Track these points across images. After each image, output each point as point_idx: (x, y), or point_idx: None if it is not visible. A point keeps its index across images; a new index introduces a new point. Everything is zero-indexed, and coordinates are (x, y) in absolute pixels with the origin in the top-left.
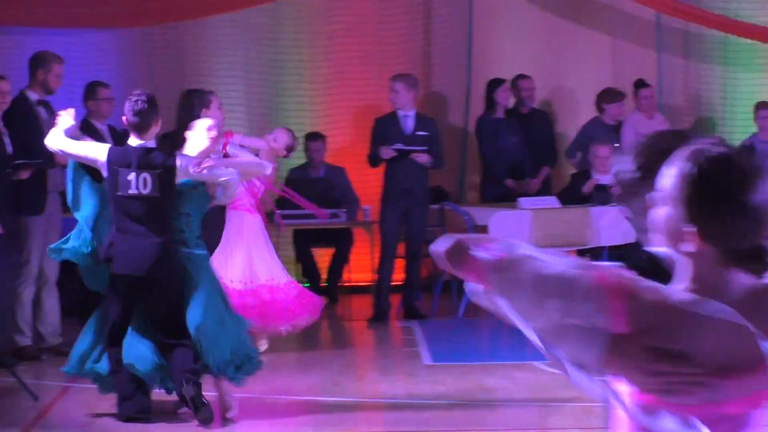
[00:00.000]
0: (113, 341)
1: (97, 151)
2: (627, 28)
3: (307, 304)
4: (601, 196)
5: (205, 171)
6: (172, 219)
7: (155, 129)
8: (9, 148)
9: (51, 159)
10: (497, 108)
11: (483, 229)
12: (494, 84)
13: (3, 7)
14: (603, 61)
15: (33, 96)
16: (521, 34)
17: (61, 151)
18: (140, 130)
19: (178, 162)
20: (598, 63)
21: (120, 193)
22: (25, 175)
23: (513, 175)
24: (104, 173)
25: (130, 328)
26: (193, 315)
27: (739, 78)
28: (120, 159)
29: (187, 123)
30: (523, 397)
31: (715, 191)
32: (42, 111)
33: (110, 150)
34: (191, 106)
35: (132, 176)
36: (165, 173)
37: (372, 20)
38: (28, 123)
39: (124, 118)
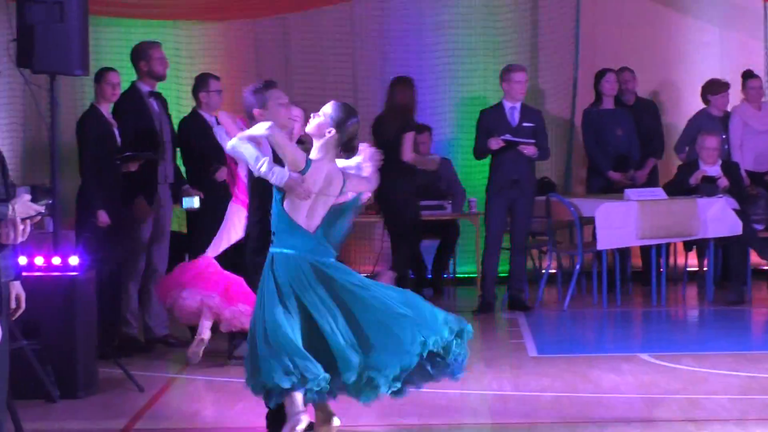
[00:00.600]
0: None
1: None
2: (735, 19)
3: None
4: (708, 187)
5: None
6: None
7: None
8: (118, 140)
9: (161, 151)
10: (603, 99)
11: (589, 220)
12: (600, 75)
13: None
14: (711, 52)
15: (144, 88)
16: (629, 25)
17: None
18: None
19: None
20: (706, 54)
21: None
22: (133, 167)
23: (619, 167)
24: None
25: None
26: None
27: None
28: None
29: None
30: (628, 388)
31: None
32: (153, 103)
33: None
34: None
35: None
36: None
37: (479, 12)
38: (139, 114)
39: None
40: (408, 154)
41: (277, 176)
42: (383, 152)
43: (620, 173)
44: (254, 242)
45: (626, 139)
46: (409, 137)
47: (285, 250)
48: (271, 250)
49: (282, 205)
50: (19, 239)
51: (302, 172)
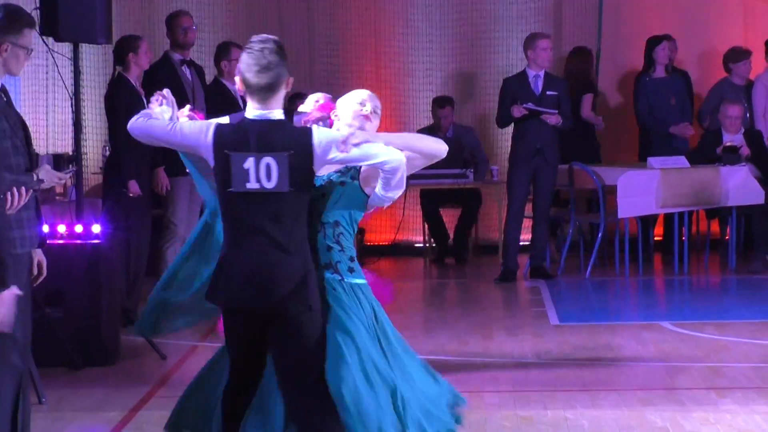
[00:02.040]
0: (229, 412)
1: (197, 133)
2: None
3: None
4: (731, 156)
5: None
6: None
7: (283, 92)
8: (147, 106)
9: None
10: (657, 67)
11: (612, 189)
12: (656, 42)
13: None
14: (734, 21)
15: (176, 56)
16: None
17: (147, 135)
18: (265, 93)
19: (315, 138)
20: (729, 22)
21: (232, 189)
22: None
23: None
24: (210, 161)
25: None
26: (341, 375)
27: None
28: (232, 139)
29: None
30: (650, 356)
31: None
32: (186, 71)
33: (217, 128)
34: None
35: (250, 163)
36: (298, 156)
37: None
38: (171, 83)
39: (238, 78)
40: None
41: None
42: None
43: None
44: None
45: (680, 107)
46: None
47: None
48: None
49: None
50: (16, 207)
51: None
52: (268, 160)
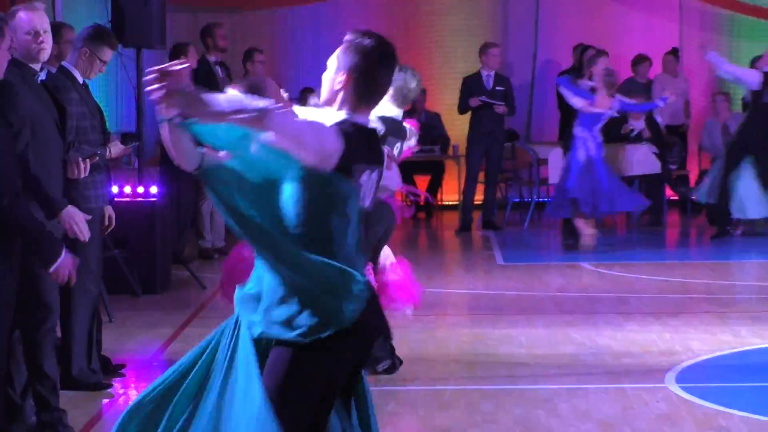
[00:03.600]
0: None
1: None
2: (655, 8)
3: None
4: (634, 136)
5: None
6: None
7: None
8: None
9: None
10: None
11: (544, 161)
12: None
13: None
14: (637, 34)
15: (211, 59)
16: (577, 11)
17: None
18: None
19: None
20: (633, 36)
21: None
22: None
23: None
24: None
25: None
26: None
27: (742, 48)
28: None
29: None
30: (573, 289)
31: None
32: (219, 69)
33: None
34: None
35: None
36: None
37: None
38: (208, 79)
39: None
40: None
41: None
42: None
43: None
44: None
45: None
46: None
47: None
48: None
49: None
50: (82, 175)
51: None
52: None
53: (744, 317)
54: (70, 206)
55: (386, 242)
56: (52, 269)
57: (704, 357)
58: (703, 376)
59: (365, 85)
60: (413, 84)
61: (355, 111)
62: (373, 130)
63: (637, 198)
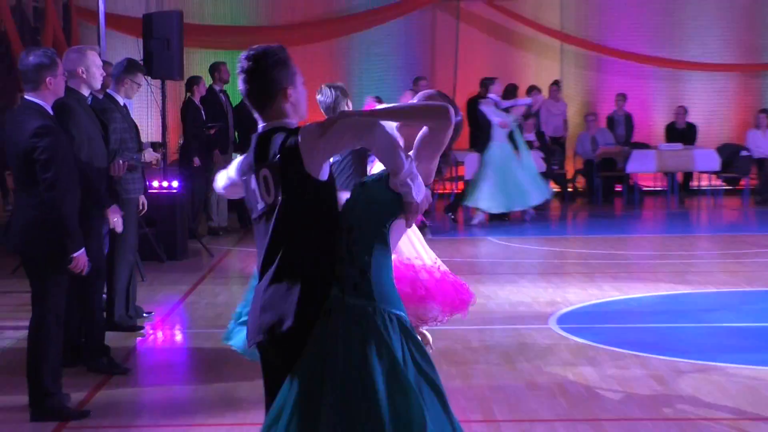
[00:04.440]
0: None
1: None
2: (542, 48)
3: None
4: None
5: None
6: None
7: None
8: (203, 116)
9: (226, 123)
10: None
11: (461, 163)
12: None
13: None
14: (529, 71)
15: (217, 88)
16: (485, 51)
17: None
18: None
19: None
20: (526, 72)
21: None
22: (213, 130)
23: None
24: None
25: None
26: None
27: (607, 81)
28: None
29: None
30: (482, 256)
31: None
32: (222, 96)
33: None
34: None
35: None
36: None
37: (399, 39)
38: (214, 102)
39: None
40: None
41: (417, 188)
42: None
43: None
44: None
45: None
46: None
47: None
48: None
49: (388, 232)
50: (121, 173)
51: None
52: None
53: (606, 277)
54: (113, 205)
55: None
56: (73, 256)
57: (577, 305)
58: (576, 319)
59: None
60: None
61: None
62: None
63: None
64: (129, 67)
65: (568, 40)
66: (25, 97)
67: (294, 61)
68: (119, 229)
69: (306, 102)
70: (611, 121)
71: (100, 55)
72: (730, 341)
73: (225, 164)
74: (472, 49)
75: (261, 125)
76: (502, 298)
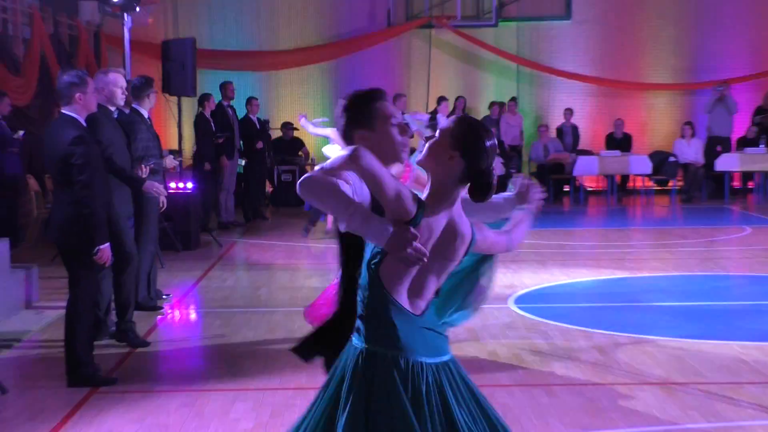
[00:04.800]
0: None
1: None
2: (503, 71)
3: None
4: None
5: None
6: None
7: None
8: (213, 128)
9: (233, 133)
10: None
11: None
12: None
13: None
14: (490, 88)
15: (225, 103)
16: (452, 73)
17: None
18: None
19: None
20: (488, 89)
21: None
22: (221, 140)
23: None
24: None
25: None
26: None
27: (556, 99)
28: None
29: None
30: None
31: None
32: (229, 110)
33: None
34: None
35: None
36: None
37: (381, 61)
38: (222, 116)
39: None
40: None
41: (375, 230)
42: None
43: None
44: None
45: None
46: None
47: (379, 349)
48: (356, 343)
49: (377, 272)
50: (144, 176)
51: (413, 223)
52: None
53: (556, 263)
54: (147, 181)
55: None
56: (99, 248)
57: (532, 288)
58: (531, 300)
59: None
60: None
61: None
62: None
63: None
64: (146, 85)
65: (523, 63)
66: (62, 111)
67: (292, 79)
68: (163, 193)
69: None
70: (560, 132)
71: (124, 76)
72: (661, 318)
73: (231, 169)
74: (442, 70)
75: None
76: None
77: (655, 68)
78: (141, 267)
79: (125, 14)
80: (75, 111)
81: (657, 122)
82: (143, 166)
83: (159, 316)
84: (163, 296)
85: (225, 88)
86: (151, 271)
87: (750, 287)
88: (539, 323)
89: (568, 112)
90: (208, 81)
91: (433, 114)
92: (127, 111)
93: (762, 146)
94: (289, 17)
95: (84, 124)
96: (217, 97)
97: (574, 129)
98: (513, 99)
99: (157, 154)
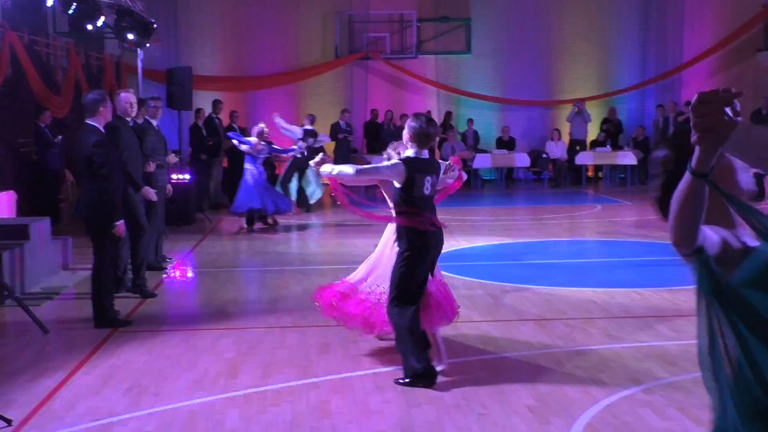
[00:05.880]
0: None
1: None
2: (424, 91)
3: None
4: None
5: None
6: None
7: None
8: (204, 133)
9: (219, 137)
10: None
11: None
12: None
13: (206, 86)
14: (413, 104)
15: (214, 115)
16: (382, 91)
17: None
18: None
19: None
20: (412, 105)
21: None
22: (210, 143)
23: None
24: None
25: None
26: None
27: (462, 113)
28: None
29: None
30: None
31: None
32: (216, 120)
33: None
34: None
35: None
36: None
37: (332, 84)
38: (212, 125)
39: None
40: None
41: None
42: None
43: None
44: None
45: None
46: None
47: None
48: None
49: None
50: (152, 170)
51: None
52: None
53: (461, 233)
54: (146, 186)
55: None
56: (116, 224)
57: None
58: (443, 260)
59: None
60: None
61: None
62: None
63: (287, 202)
64: (143, 100)
65: (437, 85)
66: (86, 121)
67: (264, 97)
68: (154, 198)
69: None
70: (464, 136)
71: (137, 95)
72: (536, 272)
73: (218, 165)
74: (376, 92)
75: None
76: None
77: (532, 89)
78: (151, 237)
79: (138, 49)
80: (96, 121)
81: (533, 129)
82: (150, 162)
83: (164, 275)
84: (167, 259)
85: (215, 104)
86: (159, 241)
87: (600, 248)
88: (448, 277)
89: (470, 121)
90: (203, 98)
91: (335, 125)
92: (140, 121)
93: (608, 147)
94: (263, 50)
95: (103, 130)
96: (208, 110)
97: (475, 134)
98: (428, 112)
99: (163, 153)
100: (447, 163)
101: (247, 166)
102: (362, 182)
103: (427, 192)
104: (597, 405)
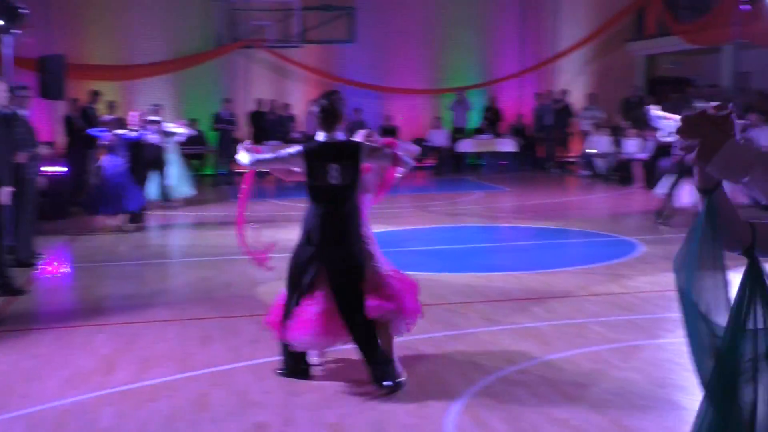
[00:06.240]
0: None
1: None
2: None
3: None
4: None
5: None
6: None
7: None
8: (79, 124)
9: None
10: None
11: None
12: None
13: (87, 74)
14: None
15: (90, 106)
16: (265, 82)
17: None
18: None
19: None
20: (282, 96)
21: None
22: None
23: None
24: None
25: None
26: None
27: None
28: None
29: None
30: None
31: None
32: (92, 110)
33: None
34: None
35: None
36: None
37: (215, 73)
38: (87, 115)
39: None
40: None
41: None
42: None
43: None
44: None
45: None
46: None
47: None
48: None
49: None
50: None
51: None
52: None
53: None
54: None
55: None
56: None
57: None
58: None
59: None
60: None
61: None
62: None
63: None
64: (14, 89)
65: (320, 74)
66: None
67: (145, 87)
68: (6, 201)
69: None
70: (351, 125)
71: (6, 83)
72: (418, 258)
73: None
74: (259, 81)
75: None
76: None
77: (414, 78)
78: (22, 231)
79: (5, 36)
80: None
81: (416, 117)
82: (20, 153)
83: (35, 271)
84: (37, 255)
85: (91, 94)
86: (29, 235)
87: (480, 234)
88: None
89: (357, 111)
90: (80, 88)
91: (216, 115)
92: (7, 111)
93: (489, 135)
94: (142, 38)
95: None
96: (84, 101)
97: (361, 123)
98: (313, 101)
99: (32, 145)
100: (368, 130)
101: (106, 159)
102: (275, 172)
103: (334, 181)
104: (474, 386)
